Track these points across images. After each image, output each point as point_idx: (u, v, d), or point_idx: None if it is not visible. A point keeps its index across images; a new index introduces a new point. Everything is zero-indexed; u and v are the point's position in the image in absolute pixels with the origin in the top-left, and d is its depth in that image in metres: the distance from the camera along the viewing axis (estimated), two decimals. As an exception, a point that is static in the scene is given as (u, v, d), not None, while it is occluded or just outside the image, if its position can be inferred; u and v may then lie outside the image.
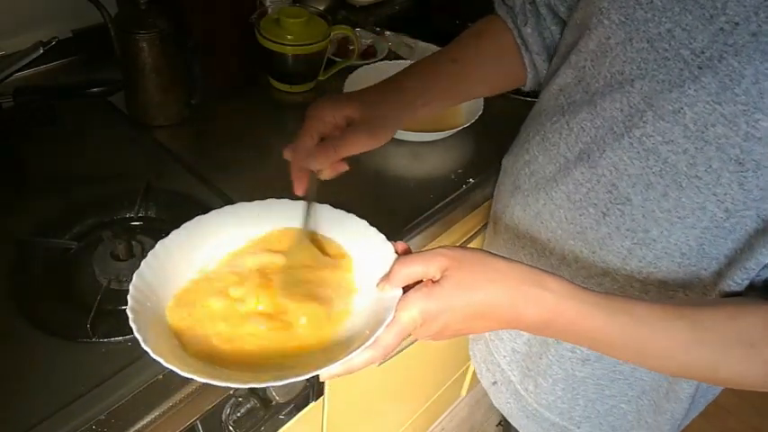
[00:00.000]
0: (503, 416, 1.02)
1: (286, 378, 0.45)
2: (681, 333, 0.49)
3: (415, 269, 0.48)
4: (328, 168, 0.59)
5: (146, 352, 0.46)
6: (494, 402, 0.86)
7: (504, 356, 0.79)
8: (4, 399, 0.57)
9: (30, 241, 0.70)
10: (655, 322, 0.49)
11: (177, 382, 0.59)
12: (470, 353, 0.91)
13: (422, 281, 0.49)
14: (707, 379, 0.56)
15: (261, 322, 0.52)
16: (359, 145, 0.59)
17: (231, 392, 0.68)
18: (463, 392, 1.63)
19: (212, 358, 0.49)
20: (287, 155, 0.60)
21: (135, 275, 0.51)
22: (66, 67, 0.99)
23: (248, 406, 0.72)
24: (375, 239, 0.56)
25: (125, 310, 0.64)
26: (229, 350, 0.50)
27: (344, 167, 0.60)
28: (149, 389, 0.58)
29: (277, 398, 0.75)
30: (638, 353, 0.51)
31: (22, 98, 0.80)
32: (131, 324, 0.47)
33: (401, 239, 0.57)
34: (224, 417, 0.70)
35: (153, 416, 0.57)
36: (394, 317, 0.47)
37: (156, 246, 0.54)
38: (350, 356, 0.46)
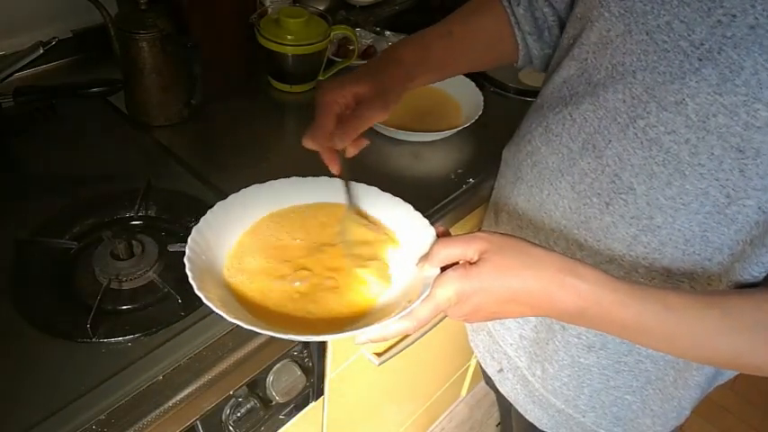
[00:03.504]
0: (502, 416, 1.02)
1: (325, 335, 0.50)
2: (711, 321, 0.51)
3: (453, 250, 0.50)
4: (351, 146, 0.62)
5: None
6: (500, 389, 0.86)
7: (511, 344, 0.80)
8: (5, 398, 0.57)
9: (30, 241, 0.70)
10: (686, 311, 0.50)
11: (177, 382, 0.59)
12: (472, 344, 0.91)
13: (458, 262, 0.51)
14: (732, 365, 0.57)
15: (302, 285, 0.55)
16: (374, 118, 0.61)
17: (231, 392, 0.68)
18: (463, 392, 1.63)
19: (257, 313, 0.53)
20: (307, 143, 0.62)
21: (194, 230, 0.55)
22: (66, 67, 0.99)
23: (248, 406, 0.72)
24: (419, 222, 0.58)
25: (125, 309, 0.65)
26: (270, 307, 0.53)
27: (366, 142, 0.63)
28: (149, 389, 0.58)
29: (277, 398, 0.75)
30: (669, 341, 0.52)
31: (22, 98, 0.80)
32: (187, 272, 0.50)
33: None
34: (224, 417, 0.70)
35: (153, 416, 0.57)
36: (430, 293, 0.49)
37: (216, 206, 0.59)
38: (386, 322, 0.48)
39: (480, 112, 0.97)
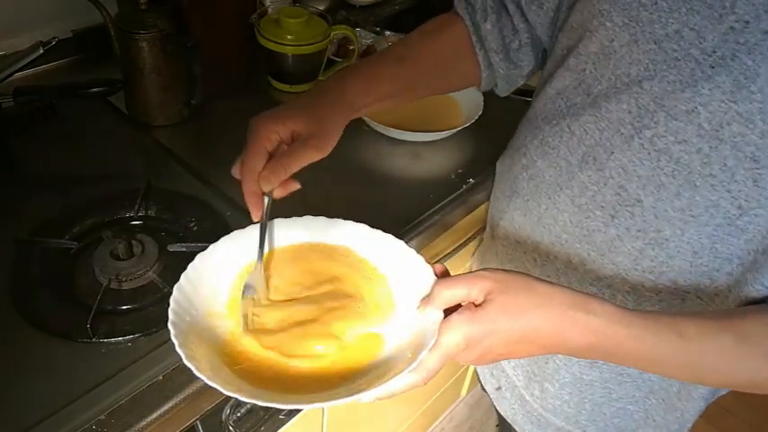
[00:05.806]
0: (500, 417, 1.02)
1: (329, 400, 0.44)
2: (726, 346, 0.49)
3: (457, 291, 0.47)
4: (279, 188, 0.56)
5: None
6: (497, 408, 0.85)
7: (509, 362, 0.79)
8: (4, 399, 0.57)
9: (30, 241, 0.70)
10: (701, 337, 0.49)
11: (177, 382, 0.59)
12: None
13: (461, 303, 0.48)
14: (747, 387, 0.55)
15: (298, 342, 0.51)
16: (307, 159, 0.56)
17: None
18: (463, 392, 1.63)
19: (251, 375, 0.48)
20: (236, 174, 0.57)
21: (174, 289, 0.50)
22: (66, 67, 0.99)
23: (248, 406, 0.72)
24: (414, 260, 0.54)
25: (125, 309, 0.65)
26: (268, 369, 0.49)
27: (296, 186, 0.57)
28: (149, 389, 0.58)
29: (277, 398, 0.75)
30: (684, 368, 0.51)
31: (22, 98, 0.80)
32: (173, 339, 0.45)
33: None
34: (224, 417, 0.70)
35: (153, 416, 0.57)
36: (437, 340, 0.46)
37: (195, 259, 0.54)
38: (394, 379, 0.45)
39: (480, 112, 0.97)
